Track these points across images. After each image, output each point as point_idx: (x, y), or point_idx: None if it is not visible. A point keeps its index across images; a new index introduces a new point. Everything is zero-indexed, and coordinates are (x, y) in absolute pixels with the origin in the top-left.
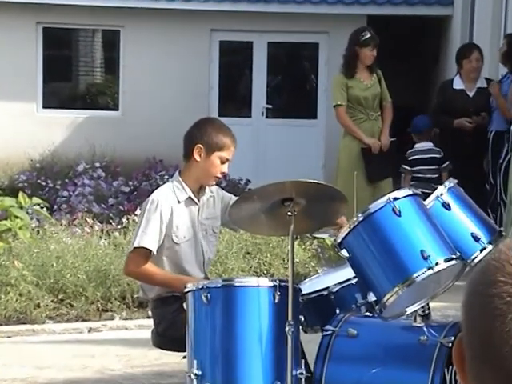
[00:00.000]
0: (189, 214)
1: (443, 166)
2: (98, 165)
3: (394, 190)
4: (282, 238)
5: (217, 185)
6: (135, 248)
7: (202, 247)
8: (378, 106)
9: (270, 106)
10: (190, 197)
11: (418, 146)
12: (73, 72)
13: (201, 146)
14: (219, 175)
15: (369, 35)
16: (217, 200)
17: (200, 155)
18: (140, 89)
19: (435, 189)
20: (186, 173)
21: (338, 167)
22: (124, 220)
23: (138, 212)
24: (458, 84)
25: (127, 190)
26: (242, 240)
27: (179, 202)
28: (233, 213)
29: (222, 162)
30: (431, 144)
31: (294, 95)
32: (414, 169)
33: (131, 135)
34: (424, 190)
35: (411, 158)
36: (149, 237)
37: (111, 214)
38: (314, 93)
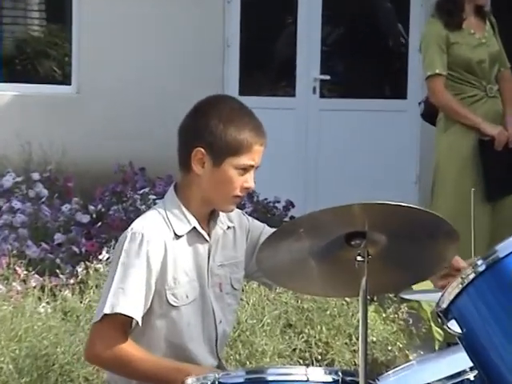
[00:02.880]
0: (193, 258)
1: None
2: (36, 177)
3: None
4: (348, 300)
5: (238, 208)
6: (106, 316)
7: (215, 314)
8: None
9: (326, 78)
10: (194, 228)
11: None
12: None
13: (202, 149)
14: (239, 193)
15: None
16: (239, 235)
17: (202, 164)
18: (106, 50)
19: None
20: (186, 190)
21: (438, 178)
22: (80, 269)
23: (105, 256)
24: None
25: (86, 218)
26: (280, 303)
27: (177, 237)
28: (264, 257)
29: (244, 171)
30: None
31: (366, 60)
32: None
33: (92, 126)
34: None
35: None
36: (128, 297)
37: (59, 260)
38: (403, 57)
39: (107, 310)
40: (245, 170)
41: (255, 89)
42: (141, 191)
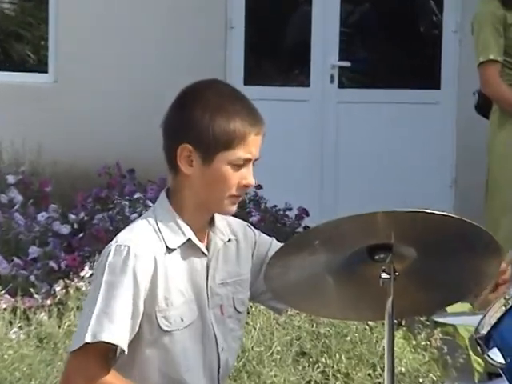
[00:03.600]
0: (189, 275)
1: None
2: (10, 180)
3: None
4: (371, 324)
5: (243, 219)
6: (86, 345)
7: (217, 340)
8: None
9: (345, 65)
10: (189, 240)
11: None
12: None
13: (188, 145)
14: (236, 193)
15: None
16: (243, 248)
17: (190, 163)
18: (90, 31)
19: None
20: (178, 195)
21: (492, 179)
22: (59, 288)
23: (88, 272)
24: None
25: (66, 229)
26: (292, 327)
27: (170, 250)
28: (274, 274)
29: (240, 167)
30: None
31: (393, 44)
32: None
33: (72, 121)
34: None
35: None
36: (114, 322)
37: (33, 278)
38: (436, 40)
39: (88, 338)
40: (241, 164)
41: (262, 78)
42: (130, 197)
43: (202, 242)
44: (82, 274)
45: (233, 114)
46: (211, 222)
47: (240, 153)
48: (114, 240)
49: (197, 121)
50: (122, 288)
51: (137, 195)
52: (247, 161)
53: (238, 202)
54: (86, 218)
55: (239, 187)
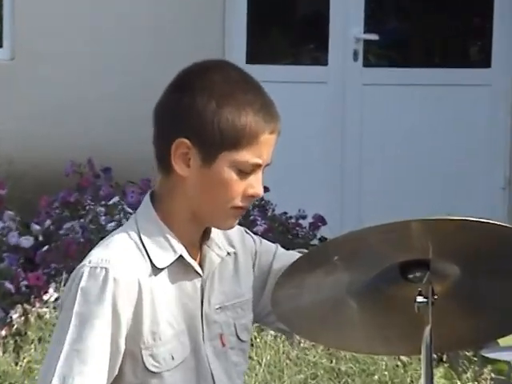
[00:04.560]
0: (179, 301)
1: None
2: None
3: None
4: (404, 359)
5: (245, 225)
6: None
7: (214, 379)
8: None
9: (372, 38)
10: (180, 258)
11: None
12: None
13: (186, 140)
14: (241, 203)
15: None
16: (243, 262)
17: (187, 162)
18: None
19: None
20: (167, 201)
21: None
22: (16, 316)
23: (53, 295)
24: None
25: (26, 241)
26: (306, 363)
27: (157, 270)
28: (283, 297)
29: (248, 172)
30: None
31: (431, 14)
32: None
33: (33, 107)
34: None
35: None
36: (87, 364)
37: None
38: (485, 9)
39: (56, 382)
40: (251, 169)
41: (269, 55)
42: (105, 201)
43: (194, 258)
44: (45, 297)
45: (244, 105)
46: (205, 233)
47: (248, 155)
48: (87, 259)
49: (200, 109)
50: (97, 321)
51: (114, 199)
52: (256, 166)
53: (241, 215)
54: (51, 227)
55: (244, 197)
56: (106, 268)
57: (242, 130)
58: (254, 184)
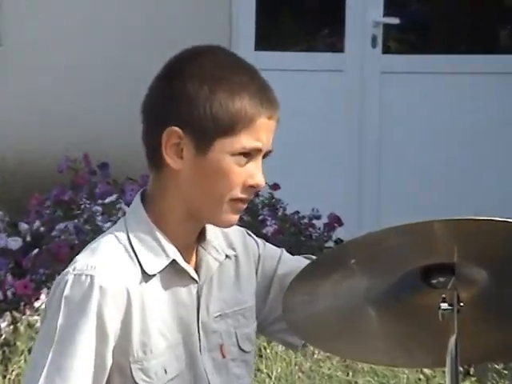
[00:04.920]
0: (173, 310)
1: None
2: None
3: None
4: (427, 372)
5: (246, 226)
6: None
7: None
8: None
9: (393, 22)
10: (173, 262)
11: None
12: None
13: (177, 129)
14: (241, 195)
15: None
16: (245, 266)
17: (180, 153)
18: None
19: None
20: (159, 199)
21: None
22: (4, 324)
23: (43, 303)
24: None
25: (15, 243)
26: (321, 376)
27: (148, 277)
28: (296, 304)
29: (246, 159)
30: None
31: None
32: None
33: (23, 98)
34: None
35: None
36: (69, 381)
37: None
38: None
39: None
40: (247, 156)
41: (280, 41)
42: (102, 200)
43: (189, 263)
44: (36, 304)
45: (239, 88)
46: (201, 234)
47: (246, 140)
48: (72, 266)
49: (191, 95)
50: (82, 334)
51: (112, 198)
52: (256, 151)
53: (242, 209)
54: (42, 228)
55: (244, 188)
56: (91, 275)
57: (237, 114)
58: (254, 172)
